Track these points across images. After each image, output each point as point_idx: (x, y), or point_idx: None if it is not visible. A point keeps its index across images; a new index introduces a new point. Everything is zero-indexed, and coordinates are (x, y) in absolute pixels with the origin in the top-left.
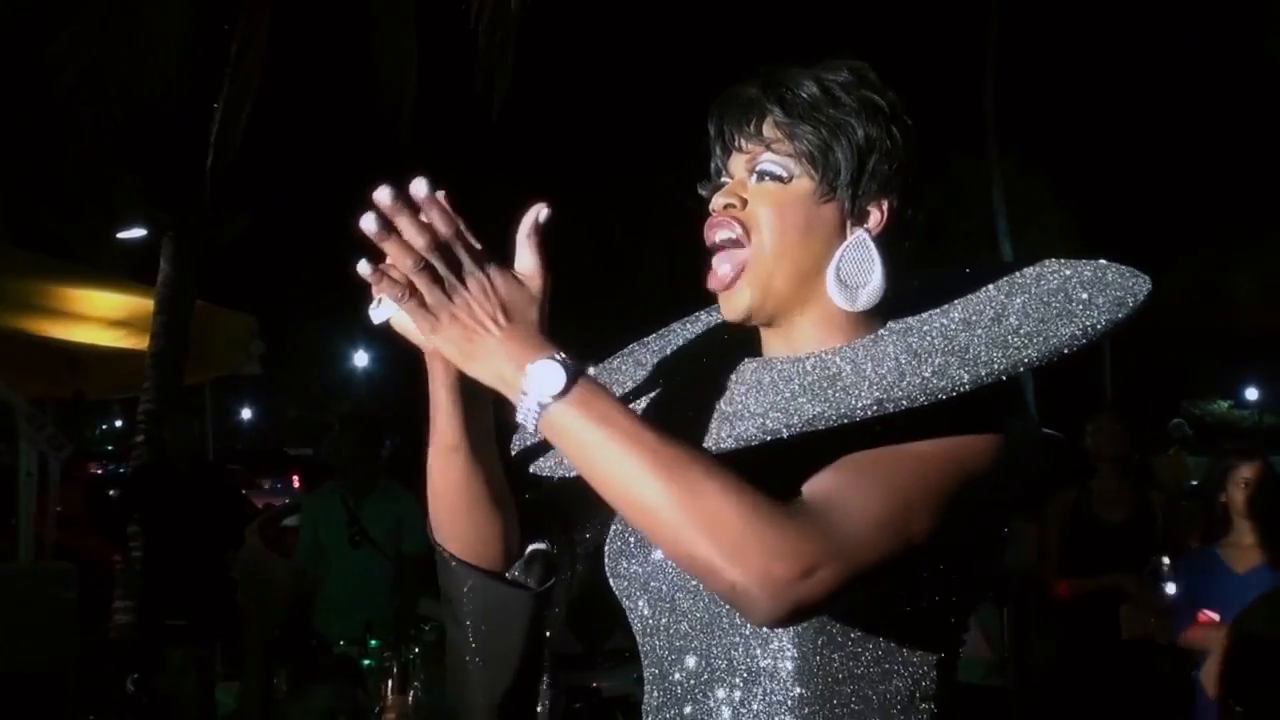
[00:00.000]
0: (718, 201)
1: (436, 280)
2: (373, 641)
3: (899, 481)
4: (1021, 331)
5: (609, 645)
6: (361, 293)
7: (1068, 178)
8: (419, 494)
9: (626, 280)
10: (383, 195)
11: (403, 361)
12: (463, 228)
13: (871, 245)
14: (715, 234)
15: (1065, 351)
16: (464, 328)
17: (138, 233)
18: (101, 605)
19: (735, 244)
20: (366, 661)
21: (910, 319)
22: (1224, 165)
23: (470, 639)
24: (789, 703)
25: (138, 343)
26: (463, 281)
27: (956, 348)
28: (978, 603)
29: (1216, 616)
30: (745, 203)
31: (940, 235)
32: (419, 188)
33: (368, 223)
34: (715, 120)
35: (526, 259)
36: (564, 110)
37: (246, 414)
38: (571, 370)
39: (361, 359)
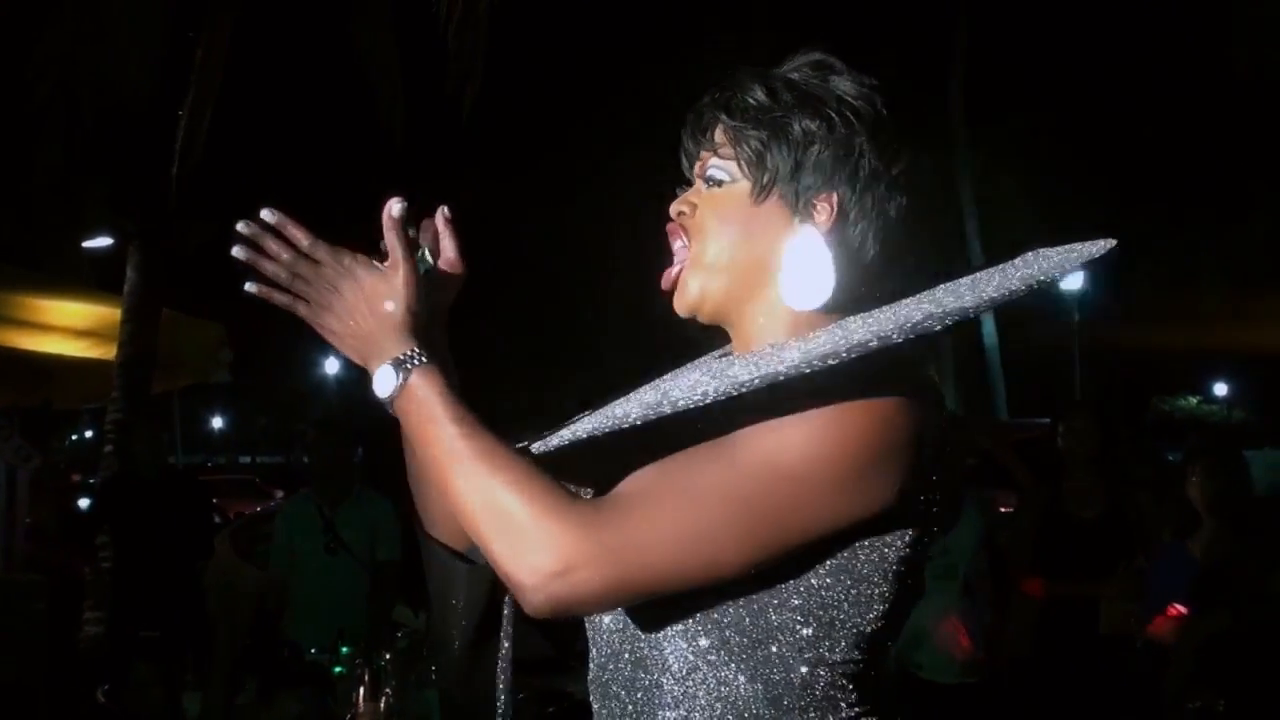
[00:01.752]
0: (672, 209)
1: (312, 286)
2: (344, 649)
3: (708, 482)
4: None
5: (580, 647)
6: None
7: (1037, 175)
8: (394, 501)
9: (597, 284)
10: (241, 226)
11: None
12: (313, 239)
13: (820, 242)
14: (671, 243)
15: (970, 313)
16: (344, 325)
17: (104, 241)
18: (72, 616)
19: (684, 249)
20: (338, 669)
21: (875, 312)
22: (1192, 162)
23: (435, 605)
24: (673, 692)
25: (105, 352)
26: (337, 285)
27: (845, 332)
28: (901, 597)
29: (1185, 610)
30: (695, 209)
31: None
32: (268, 214)
33: (238, 251)
34: (682, 129)
35: (390, 252)
36: (538, 112)
37: (217, 422)
38: (406, 371)
39: (332, 365)
